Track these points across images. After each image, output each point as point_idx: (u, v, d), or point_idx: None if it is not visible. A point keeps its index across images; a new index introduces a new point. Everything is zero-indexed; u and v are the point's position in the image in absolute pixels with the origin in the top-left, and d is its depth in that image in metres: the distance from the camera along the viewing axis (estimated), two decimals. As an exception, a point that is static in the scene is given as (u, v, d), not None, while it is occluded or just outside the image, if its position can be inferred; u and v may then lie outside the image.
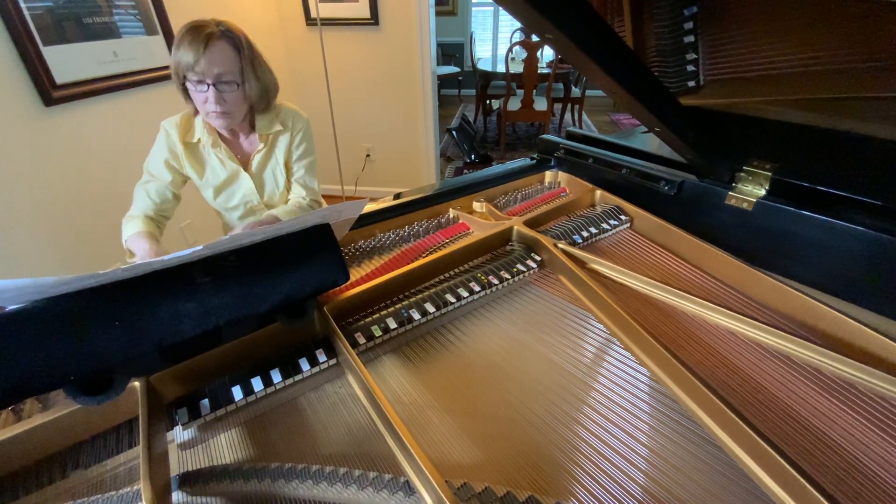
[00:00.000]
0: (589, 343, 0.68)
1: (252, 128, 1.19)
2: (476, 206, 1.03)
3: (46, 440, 0.51)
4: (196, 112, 1.13)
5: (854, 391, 0.57)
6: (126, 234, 1.09)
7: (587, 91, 4.69)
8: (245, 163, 1.21)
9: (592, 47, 0.58)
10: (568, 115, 5.21)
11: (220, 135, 1.17)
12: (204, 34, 0.97)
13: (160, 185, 1.15)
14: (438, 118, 3.18)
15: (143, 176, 1.17)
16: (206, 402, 0.55)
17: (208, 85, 1.00)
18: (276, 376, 0.59)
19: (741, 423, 0.50)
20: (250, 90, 1.08)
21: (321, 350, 0.62)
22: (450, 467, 0.51)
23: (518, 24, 5.78)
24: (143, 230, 1.08)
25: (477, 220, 0.93)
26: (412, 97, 2.94)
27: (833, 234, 0.74)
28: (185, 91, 1.05)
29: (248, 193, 1.22)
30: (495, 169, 1.13)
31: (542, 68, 3.90)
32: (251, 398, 0.57)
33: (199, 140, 1.14)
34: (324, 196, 1.43)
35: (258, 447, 0.54)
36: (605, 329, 0.70)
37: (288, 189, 1.28)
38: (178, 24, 1.97)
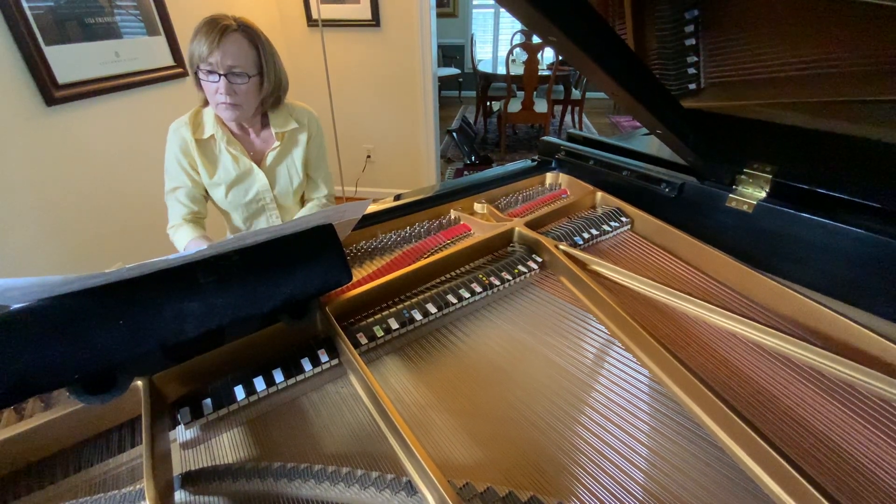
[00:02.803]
0: (590, 344, 0.69)
1: (263, 125, 1.20)
2: (477, 207, 1.03)
3: (49, 439, 0.51)
4: (205, 104, 1.13)
5: (854, 393, 0.57)
6: (182, 243, 1.13)
7: (587, 93, 4.70)
8: (258, 160, 1.21)
9: (595, 50, 0.59)
10: (568, 117, 5.23)
11: (232, 132, 1.17)
12: (220, 26, 0.98)
13: (187, 189, 1.16)
14: (439, 119, 3.19)
15: (167, 184, 1.17)
16: (208, 401, 0.56)
17: (220, 76, 1.01)
18: (278, 376, 0.59)
19: (742, 423, 0.50)
20: (267, 84, 1.09)
21: (323, 350, 0.62)
22: (452, 467, 0.51)
23: (519, 26, 5.80)
24: (198, 234, 1.13)
25: (478, 221, 0.93)
26: (413, 98, 2.95)
27: (833, 237, 0.74)
28: (199, 81, 1.06)
29: (262, 190, 1.22)
30: (496, 170, 1.13)
31: (543, 70, 3.91)
32: (253, 398, 0.57)
33: (211, 136, 1.14)
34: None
35: (260, 447, 0.54)
36: (605, 330, 0.70)
37: (302, 185, 1.29)
38: (179, 24, 1.98)
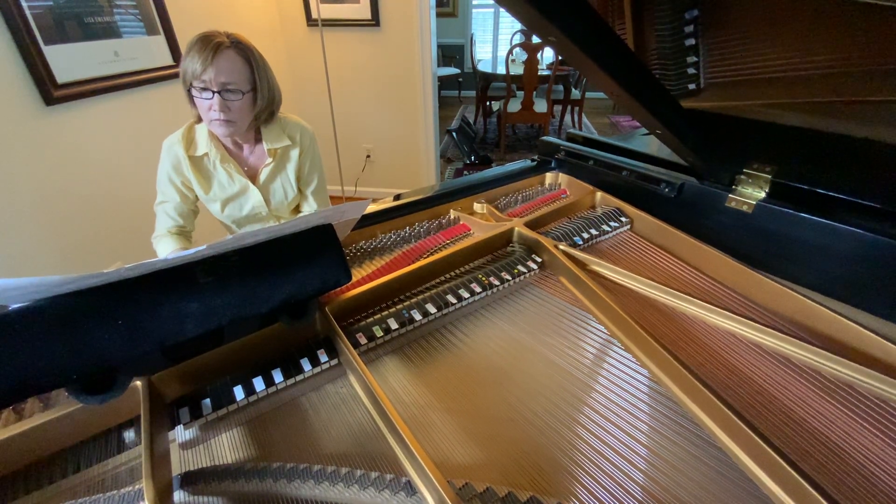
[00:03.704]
0: (589, 344, 0.69)
1: (257, 140, 1.20)
2: (477, 207, 1.03)
3: (47, 439, 0.51)
4: (198, 120, 1.13)
5: (852, 392, 0.58)
6: (162, 254, 1.14)
7: (587, 93, 4.70)
8: (252, 176, 1.22)
9: (595, 50, 0.59)
10: (568, 117, 5.23)
11: (226, 148, 1.17)
12: (213, 44, 0.98)
13: (175, 204, 1.18)
14: (438, 119, 3.19)
15: (158, 196, 1.19)
16: (207, 401, 0.56)
17: (213, 92, 1.01)
18: (277, 376, 0.59)
19: (741, 423, 0.50)
20: (260, 100, 1.09)
21: (323, 350, 0.62)
22: (451, 467, 0.51)
23: (518, 26, 5.80)
24: (178, 247, 1.15)
25: (478, 221, 0.93)
26: (412, 98, 2.94)
27: (832, 237, 0.74)
28: (192, 98, 1.06)
29: (257, 206, 1.23)
30: (496, 170, 1.13)
31: (542, 70, 3.91)
32: (253, 398, 0.57)
33: (205, 154, 1.14)
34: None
35: (260, 447, 0.54)
36: (605, 330, 0.70)
37: (297, 200, 1.29)
38: (179, 24, 1.98)
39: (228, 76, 1.01)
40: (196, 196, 1.20)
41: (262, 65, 1.08)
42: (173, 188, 1.16)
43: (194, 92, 1.03)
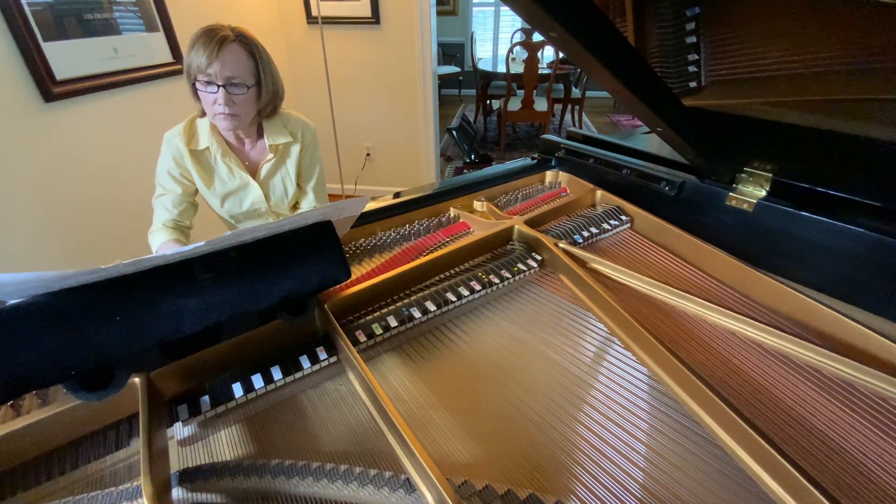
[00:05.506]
0: (589, 342, 0.68)
1: (259, 135, 1.20)
2: (477, 205, 1.03)
3: (45, 436, 0.51)
4: (202, 114, 1.13)
5: (853, 391, 0.57)
6: (155, 247, 1.15)
7: (587, 92, 4.69)
8: (253, 171, 1.21)
9: (597, 46, 0.58)
10: (568, 116, 5.22)
11: (227, 143, 1.17)
12: (218, 37, 0.98)
13: (174, 196, 1.17)
14: (439, 118, 3.18)
15: (157, 189, 1.19)
16: (206, 398, 0.55)
17: (218, 86, 1.01)
18: (276, 373, 0.59)
19: (741, 422, 0.50)
20: (265, 95, 1.09)
21: (322, 347, 0.62)
22: (450, 465, 0.51)
23: (519, 25, 5.79)
24: (171, 238, 1.14)
25: (478, 219, 0.93)
26: (413, 97, 2.94)
27: (833, 236, 0.74)
28: (196, 91, 1.06)
29: (257, 201, 1.23)
30: (496, 168, 1.13)
31: (543, 69, 3.90)
32: (252, 395, 0.57)
33: (206, 148, 1.14)
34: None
35: (258, 444, 0.54)
36: (605, 328, 0.70)
37: (297, 196, 1.29)
38: (178, 21, 1.97)
39: (233, 70, 1.01)
40: (195, 190, 1.20)
41: (265, 59, 1.08)
42: (173, 180, 1.15)
43: (199, 86, 1.03)
